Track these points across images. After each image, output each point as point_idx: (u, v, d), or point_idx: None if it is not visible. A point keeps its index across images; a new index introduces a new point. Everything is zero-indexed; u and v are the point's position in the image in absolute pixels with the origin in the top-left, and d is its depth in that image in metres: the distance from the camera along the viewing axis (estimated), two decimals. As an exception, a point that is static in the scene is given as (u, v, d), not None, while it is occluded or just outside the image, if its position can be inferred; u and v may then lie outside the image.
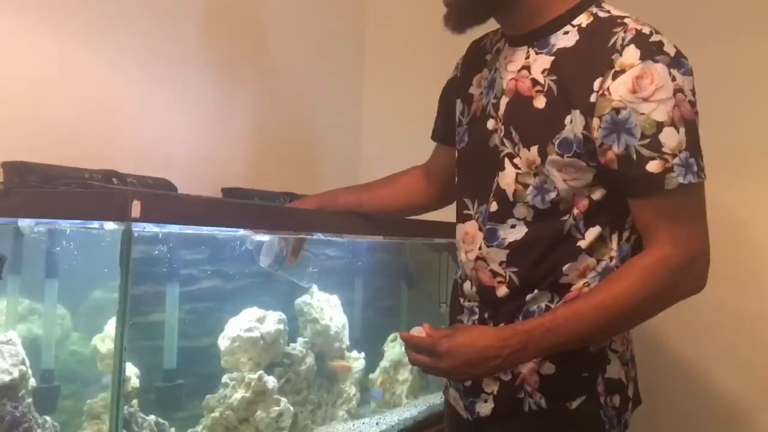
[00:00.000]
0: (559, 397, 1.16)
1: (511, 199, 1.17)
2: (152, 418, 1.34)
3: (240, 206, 1.41)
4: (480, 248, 1.22)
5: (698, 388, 1.98)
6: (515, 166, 1.17)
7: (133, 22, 1.61)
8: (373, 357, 1.94)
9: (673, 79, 1.06)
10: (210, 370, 1.49)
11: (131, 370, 1.31)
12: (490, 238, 1.20)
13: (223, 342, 1.50)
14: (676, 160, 1.05)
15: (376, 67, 2.40)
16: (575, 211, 1.14)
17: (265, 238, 1.47)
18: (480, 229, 1.23)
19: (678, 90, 1.06)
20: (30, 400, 1.21)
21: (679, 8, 1.92)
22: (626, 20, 1.10)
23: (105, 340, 1.33)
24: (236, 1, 1.93)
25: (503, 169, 1.19)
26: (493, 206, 1.20)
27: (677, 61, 1.07)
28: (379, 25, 2.41)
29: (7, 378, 1.18)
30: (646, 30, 1.08)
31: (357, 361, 1.85)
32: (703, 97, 1.11)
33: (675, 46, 1.09)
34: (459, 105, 1.34)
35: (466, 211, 1.27)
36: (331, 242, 1.84)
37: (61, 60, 1.47)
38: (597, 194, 1.13)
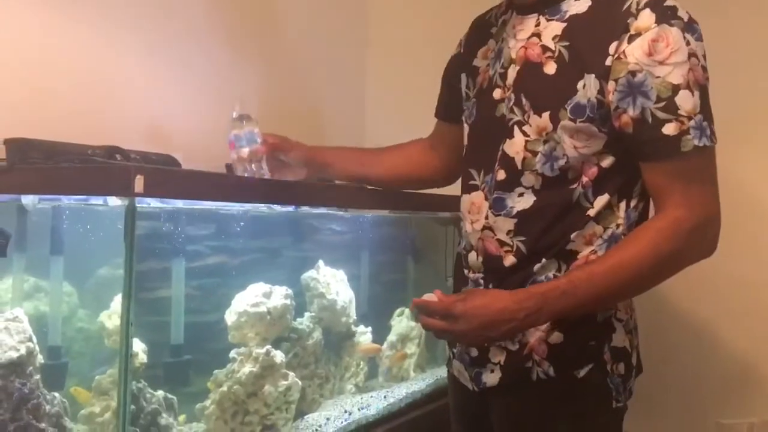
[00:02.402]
0: (566, 365, 1.16)
1: (520, 167, 1.17)
2: (160, 393, 1.35)
3: (244, 181, 1.40)
4: (486, 218, 1.21)
5: (702, 351, 2.00)
6: (524, 133, 1.16)
7: (138, 3, 1.60)
8: (381, 331, 1.94)
9: (688, 43, 1.06)
10: (217, 345, 1.50)
11: (138, 346, 1.31)
12: (497, 207, 1.20)
13: (230, 317, 1.50)
14: (692, 123, 1.05)
15: (380, 43, 2.38)
16: (584, 179, 1.14)
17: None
18: (486, 199, 1.22)
19: (692, 54, 1.06)
20: (38, 376, 1.21)
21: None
22: None
23: (112, 317, 1.33)
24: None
25: (512, 137, 1.18)
26: (500, 175, 1.19)
27: (690, 27, 1.08)
28: (384, 1, 2.39)
29: (14, 355, 1.18)
30: (680, 10, 1.08)
31: (364, 335, 1.85)
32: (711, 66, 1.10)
33: (687, 12, 1.09)
34: (464, 79, 1.34)
35: (471, 182, 1.26)
36: (336, 217, 1.83)
37: (62, 36, 1.45)
38: (606, 162, 1.13)
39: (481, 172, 1.25)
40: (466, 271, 1.27)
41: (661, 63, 1.05)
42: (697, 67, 1.06)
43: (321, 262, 1.77)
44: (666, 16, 1.06)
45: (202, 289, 1.51)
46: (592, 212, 1.14)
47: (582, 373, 1.15)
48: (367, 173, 1.49)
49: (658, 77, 1.05)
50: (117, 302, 1.30)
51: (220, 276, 1.55)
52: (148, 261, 1.38)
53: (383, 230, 2.03)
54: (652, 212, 1.16)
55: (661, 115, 1.06)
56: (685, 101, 1.05)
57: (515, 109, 1.18)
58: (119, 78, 1.57)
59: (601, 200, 1.14)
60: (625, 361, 1.18)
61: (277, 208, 1.54)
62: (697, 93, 1.06)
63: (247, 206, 1.51)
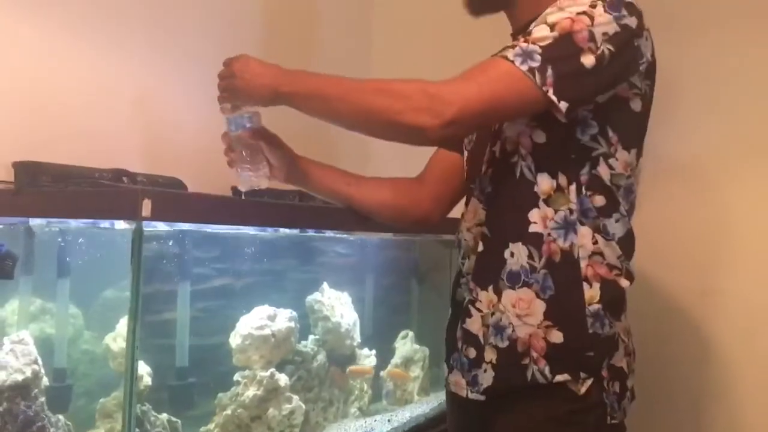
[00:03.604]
0: (563, 369, 1.15)
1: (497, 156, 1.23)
2: (165, 416, 1.35)
3: (250, 204, 1.41)
4: (475, 214, 1.26)
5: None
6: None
7: (144, 21, 1.61)
8: (385, 354, 1.93)
9: (593, 6, 1.09)
10: (222, 368, 1.50)
11: (143, 369, 1.31)
12: (485, 202, 1.25)
13: (235, 340, 1.50)
14: (524, 44, 1.09)
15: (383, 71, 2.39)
16: (522, 151, 1.18)
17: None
18: (479, 200, 1.26)
19: (585, 13, 1.09)
20: (43, 399, 1.22)
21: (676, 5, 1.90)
22: None
23: (117, 339, 1.33)
24: (245, 5, 1.93)
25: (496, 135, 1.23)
26: (486, 171, 1.25)
27: (613, 4, 1.10)
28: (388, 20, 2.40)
29: (20, 377, 1.18)
30: None
31: (368, 358, 1.85)
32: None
33: (631, 3, 1.12)
34: None
35: (469, 193, 1.30)
36: (341, 239, 1.84)
37: (70, 59, 1.47)
38: (539, 137, 1.16)
39: (476, 179, 1.28)
40: (461, 279, 1.29)
41: (559, 9, 1.10)
42: (579, 20, 1.08)
43: (325, 285, 1.77)
44: None
45: (208, 311, 1.51)
46: (538, 190, 1.17)
47: (583, 389, 1.15)
48: (351, 193, 1.42)
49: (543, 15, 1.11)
50: (122, 324, 1.30)
51: (226, 298, 1.56)
52: (154, 283, 1.39)
53: (387, 253, 2.04)
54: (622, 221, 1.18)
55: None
56: (539, 31, 1.09)
57: None
58: (126, 101, 1.59)
59: (545, 179, 1.16)
60: (620, 381, 1.18)
61: (283, 229, 1.54)
62: (555, 33, 1.08)
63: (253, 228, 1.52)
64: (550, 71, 1.07)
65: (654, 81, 1.21)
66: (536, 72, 1.06)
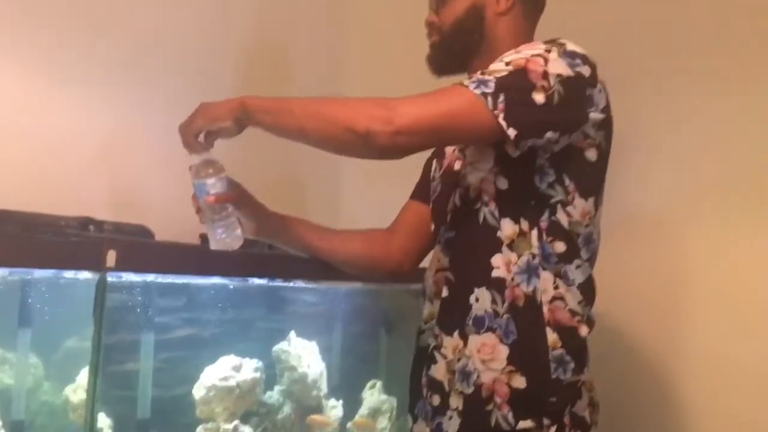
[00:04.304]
0: (526, 415, 1.15)
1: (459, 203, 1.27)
2: (125, 470, 1.32)
3: (217, 253, 1.40)
4: (439, 259, 1.29)
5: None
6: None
7: (111, 68, 1.62)
8: (352, 404, 1.91)
9: (548, 51, 1.14)
10: (185, 420, 1.47)
11: (104, 421, 1.28)
12: (444, 248, 1.28)
13: (199, 391, 1.48)
14: (480, 75, 1.13)
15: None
16: (485, 197, 1.21)
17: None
18: (442, 246, 1.29)
19: (540, 55, 1.14)
20: (-2, 452, 1.19)
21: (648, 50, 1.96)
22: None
23: (77, 390, 1.31)
24: (219, 46, 1.94)
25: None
26: (449, 218, 1.29)
27: (567, 51, 1.16)
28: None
29: (-25, 430, 1.15)
30: (570, 45, 1.18)
31: (335, 408, 1.83)
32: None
33: (579, 47, 1.17)
34: (434, 165, 1.43)
35: (434, 241, 1.33)
36: (309, 288, 1.83)
37: (36, 106, 1.47)
38: (501, 184, 1.20)
39: (440, 227, 1.31)
40: (422, 325, 1.31)
41: (515, 52, 1.16)
42: (534, 60, 1.13)
43: (293, 334, 1.75)
44: (551, 42, 1.17)
45: (172, 362, 1.49)
46: (502, 235, 1.19)
47: None
48: (323, 246, 1.43)
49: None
50: (83, 375, 1.28)
51: (190, 348, 1.54)
52: (117, 333, 1.37)
53: (356, 302, 2.03)
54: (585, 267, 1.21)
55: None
56: (495, 65, 1.14)
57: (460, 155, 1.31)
58: (93, 148, 1.58)
59: (508, 224, 1.19)
60: (582, 430, 1.19)
61: (251, 278, 1.54)
62: (510, 68, 1.12)
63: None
64: (502, 97, 1.10)
65: (610, 133, 1.24)
66: (489, 97, 1.10)
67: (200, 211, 1.26)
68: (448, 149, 1.38)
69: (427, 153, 1.48)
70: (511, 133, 1.10)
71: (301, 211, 2.09)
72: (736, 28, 1.74)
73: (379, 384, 1.98)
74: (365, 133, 1.09)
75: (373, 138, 1.09)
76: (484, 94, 1.10)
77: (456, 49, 1.30)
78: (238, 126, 1.20)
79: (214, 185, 1.24)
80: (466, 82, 1.12)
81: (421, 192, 1.47)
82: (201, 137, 1.23)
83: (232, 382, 1.49)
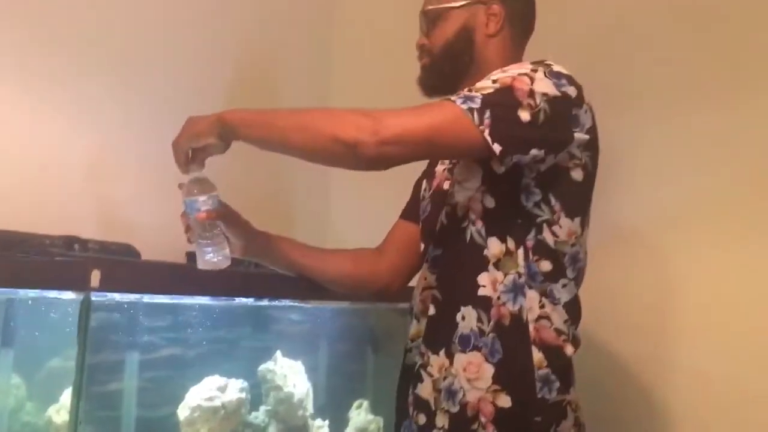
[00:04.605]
0: None
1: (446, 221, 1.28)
2: (107, 492, 1.31)
3: (203, 272, 1.39)
4: (426, 278, 1.29)
5: None
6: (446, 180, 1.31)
7: (98, 87, 1.62)
8: (338, 425, 1.90)
9: (533, 71, 1.16)
10: (169, 441, 1.46)
11: (87, 443, 1.27)
12: (431, 265, 1.29)
13: (183, 412, 1.47)
14: (467, 92, 1.14)
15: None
16: (472, 216, 1.22)
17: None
18: (429, 264, 1.30)
19: (527, 75, 1.15)
20: (-21, 474, 1.17)
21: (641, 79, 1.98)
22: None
23: (60, 411, 1.29)
24: (206, 66, 1.95)
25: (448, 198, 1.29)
26: (437, 237, 1.29)
27: (553, 72, 1.17)
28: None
29: (-45, 452, 1.14)
30: (556, 66, 1.20)
31: (321, 429, 1.82)
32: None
33: (563, 69, 1.19)
34: (424, 185, 1.44)
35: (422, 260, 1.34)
36: (295, 307, 1.83)
37: (23, 125, 1.46)
38: (489, 202, 1.21)
39: (429, 246, 1.32)
40: (409, 342, 1.32)
41: (502, 71, 1.19)
42: (520, 79, 1.14)
43: (279, 353, 1.75)
44: (537, 63, 1.19)
45: (156, 382, 1.48)
46: (488, 254, 1.20)
47: None
48: (310, 265, 1.43)
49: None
50: (66, 396, 1.27)
51: (175, 368, 1.53)
52: (101, 353, 1.36)
53: (342, 321, 2.02)
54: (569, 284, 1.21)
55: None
56: (482, 83, 1.16)
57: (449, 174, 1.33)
58: (79, 167, 1.58)
59: (495, 243, 1.20)
60: None
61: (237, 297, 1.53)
62: (497, 86, 1.14)
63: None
64: (488, 113, 1.11)
65: (596, 154, 1.25)
66: (475, 112, 1.11)
67: (190, 229, 1.26)
68: (438, 169, 1.39)
69: (418, 173, 1.50)
70: (496, 148, 1.11)
71: (290, 229, 2.10)
72: (720, 47, 1.77)
73: (365, 404, 1.97)
74: (353, 143, 1.09)
75: (360, 148, 1.09)
76: (471, 110, 1.11)
77: (446, 71, 1.32)
78: (223, 141, 1.20)
79: (204, 203, 1.23)
80: (452, 98, 1.14)
81: (411, 212, 1.48)
82: (189, 154, 1.22)
83: (217, 403, 1.48)
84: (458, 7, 1.31)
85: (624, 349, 1.89)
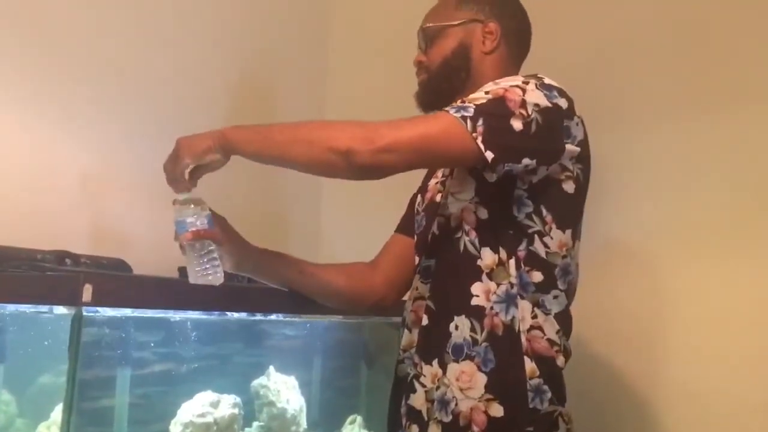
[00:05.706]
0: None
1: (439, 232, 1.29)
2: None
3: (195, 287, 1.39)
4: (417, 288, 1.30)
5: None
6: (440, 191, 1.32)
7: (90, 103, 1.62)
8: (332, 440, 1.90)
9: (525, 83, 1.18)
10: (161, 457, 1.45)
11: (77, 460, 1.26)
12: (422, 275, 1.30)
13: (175, 428, 1.46)
14: (460, 103, 1.16)
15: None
16: (466, 227, 1.23)
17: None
18: (421, 275, 1.31)
19: (518, 86, 1.17)
20: (-32, 492, 1.16)
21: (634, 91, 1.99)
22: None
23: (51, 428, 1.28)
24: (199, 82, 1.95)
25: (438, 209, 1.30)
26: (430, 247, 1.30)
27: (544, 84, 1.19)
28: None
29: (-56, 470, 1.13)
30: (547, 79, 1.21)
31: (314, 444, 1.81)
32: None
33: (555, 83, 1.21)
34: (418, 199, 1.45)
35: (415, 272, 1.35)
36: (289, 322, 1.82)
37: (15, 141, 1.46)
38: (482, 213, 1.22)
39: (422, 256, 1.33)
40: (401, 353, 1.31)
41: (494, 83, 1.20)
42: (512, 90, 1.16)
43: (272, 368, 1.74)
44: (529, 76, 1.21)
45: (148, 397, 1.47)
46: (482, 264, 1.21)
47: None
48: (304, 280, 1.42)
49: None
50: (57, 412, 1.26)
51: (167, 384, 1.52)
52: (93, 369, 1.35)
53: (336, 335, 2.02)
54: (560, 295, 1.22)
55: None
56: (475, 94, 1.17)
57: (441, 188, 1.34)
58: (70, 182, 1.57)
59: (488, 253, 1.21)
60: None
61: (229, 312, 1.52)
62: (489, 96, 1.16)
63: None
64: (481, 121, 1.13)
65: (588, 166, 1.27)
66: (468, 120, 1.13)
67: (183, 247, 1.25)
68: (431, 183, 1.41)
69: (409, 186, 1.50)
70: (489, 156, 1.12)
71: (281, 242, 2.09)
72: (712, 61, 1.78)
73: (359, 419, 1.96)
74: (346, 151, 1.10)
75: (354, 157, 1.10)
76: (464, 118, 1.13)
77: (443, 87, 1.34)
78: (225, 157, 1.21)
79: (196, 222, 1.23)
80: (446, 108, 1.16)
81: (406, 226, 1.49)
82: (186, 174, 1.21)
83: (209, 419, 1.47)
84: (456, 25, 1.34)
85: (615, 363, 1.89)
